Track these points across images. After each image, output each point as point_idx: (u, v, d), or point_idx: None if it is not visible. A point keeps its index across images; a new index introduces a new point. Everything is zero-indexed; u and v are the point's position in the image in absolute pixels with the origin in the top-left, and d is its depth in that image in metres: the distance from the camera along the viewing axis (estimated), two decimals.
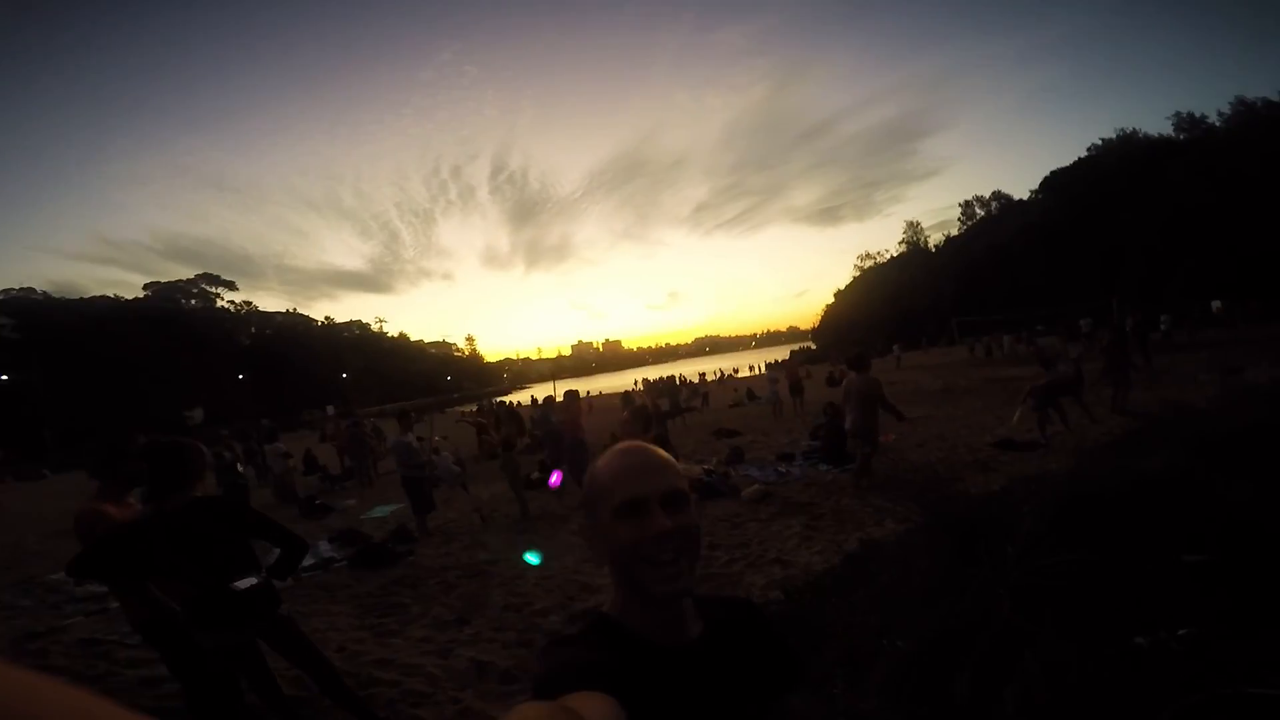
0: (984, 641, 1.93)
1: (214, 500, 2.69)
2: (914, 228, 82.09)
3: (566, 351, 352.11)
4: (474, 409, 28.27)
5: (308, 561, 5.66)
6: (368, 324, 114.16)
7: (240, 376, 68.43)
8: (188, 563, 2.36)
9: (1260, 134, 32.23)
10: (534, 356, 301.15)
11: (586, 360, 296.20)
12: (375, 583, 5.57)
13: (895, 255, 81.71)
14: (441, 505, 8.17)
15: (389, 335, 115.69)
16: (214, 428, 42.79)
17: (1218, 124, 46.04)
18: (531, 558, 5.43)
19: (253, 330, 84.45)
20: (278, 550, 2.65)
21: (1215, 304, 24.23)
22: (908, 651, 2.04)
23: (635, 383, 38.43)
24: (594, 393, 36.41)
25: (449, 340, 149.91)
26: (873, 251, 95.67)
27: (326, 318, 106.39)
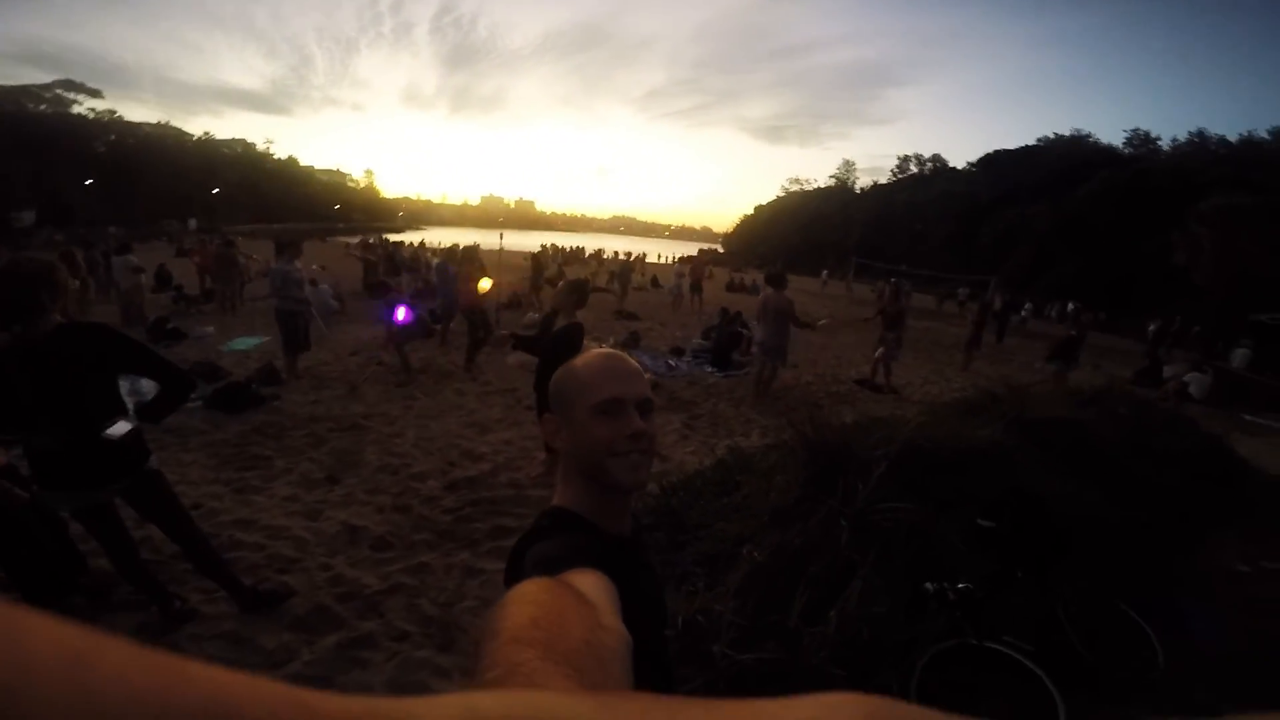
0: (822, 565, 2.28)
1: (86, 327, 2.17)
2: (848, 166, 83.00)
3: (475, 203, 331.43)
4: (361, 241, 26.29)
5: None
6: (254, 144, 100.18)
7: (89, 182, 57.86)
8: (51, 405, 1.99)
9: (1196, 167, 34.96)
10: (437, 201, 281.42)
11: (494, 215, 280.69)
12: (234, 429, 5.04)
13: (822, 187, 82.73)
14: (315, 345, 7.54)
15: (274, 156, 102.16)
16: (48, 231, 36.46)
17: (1165, 148, 48.44)
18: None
19: (112, 138, 70.66)
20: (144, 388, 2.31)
21: (1071, 306, 27.35)
22: (760, 562, 2.36)
23: (541, 246, 37.45)
24: (499, 249, 34.92)
25: (343, 171, 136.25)
26: (803, 178, 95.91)
27: (205, 133, 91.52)
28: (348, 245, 22.72)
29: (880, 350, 8.99)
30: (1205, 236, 19.73)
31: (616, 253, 39.93)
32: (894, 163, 75.35)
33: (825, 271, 35.57)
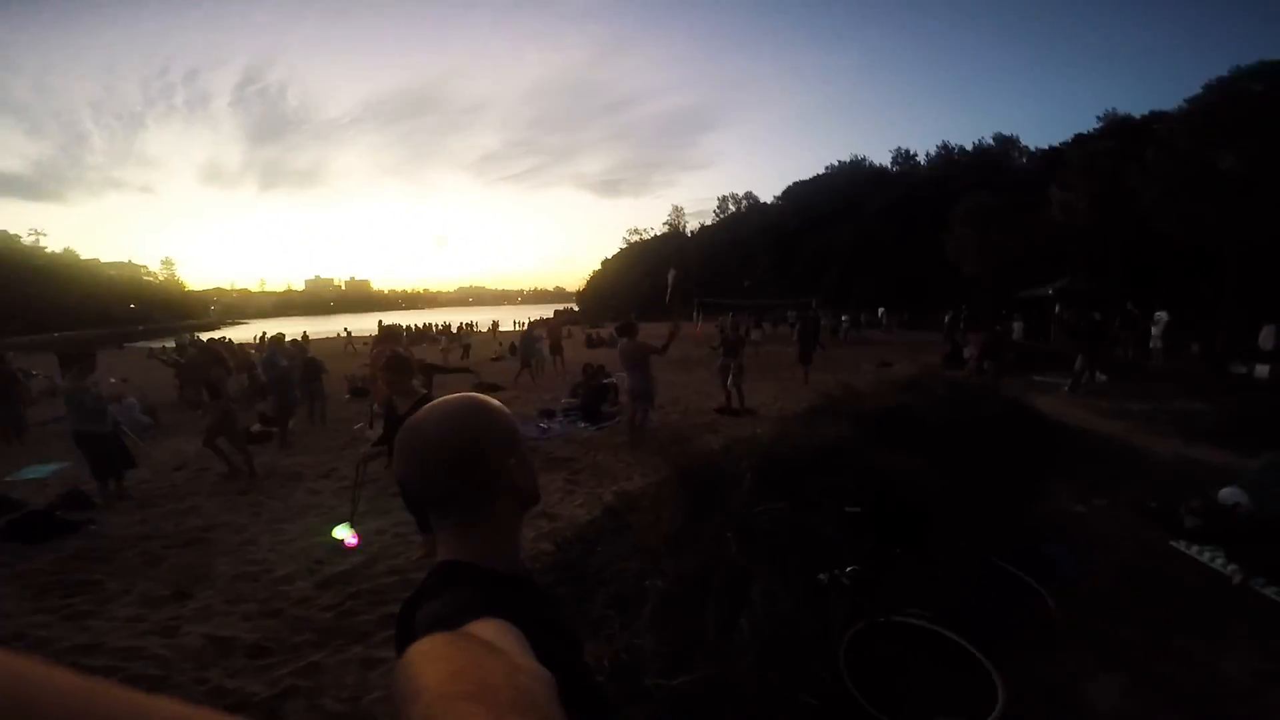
0: (719, 579, 2.38)
1: None
2: (678, 211, 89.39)
3: (300, 288, 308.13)
4: (168, 346, 23.42)
5: None
6: (16, 235, 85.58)
7: None
8: None
9: (949, 175, 41.80)
10: (255, 290, 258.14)
11: (323, 299, 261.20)
12: (44, 559, 4.46)
13: (658, 235, 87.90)
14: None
15: (46, 250, 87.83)
16: None
17: (923, 163, 55.34)
18: (342, 532, 4.09)
19: None
20: None
21: (880, 311, 31.35)
22: (664, 590, 2.40)
23: (379, 324, 35.76)
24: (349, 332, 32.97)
25: (137, 263, 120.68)
26: (640, 228, 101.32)
27: None
28: (153, 351, 19.87)
29: (729, 376, 9.64)
30: (965, 234, 23.79)
31: (465, 325, 38.96)
32: (715, 204, 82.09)
33: (675, 317, 37.23)
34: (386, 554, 4.37)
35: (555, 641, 0.74)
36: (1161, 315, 15.29)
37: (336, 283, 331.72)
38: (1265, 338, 13.17)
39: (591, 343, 26.68)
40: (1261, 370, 11.92)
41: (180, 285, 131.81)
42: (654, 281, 66.45)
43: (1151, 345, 14.74)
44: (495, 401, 0.93)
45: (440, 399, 0.92)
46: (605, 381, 10.44)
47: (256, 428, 8.93)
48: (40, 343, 39.97)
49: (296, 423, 8.91)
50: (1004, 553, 3.62)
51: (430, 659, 0.42)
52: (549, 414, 9.79)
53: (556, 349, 17.15)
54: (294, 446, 8.11)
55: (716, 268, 59.20)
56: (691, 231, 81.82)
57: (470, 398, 0.93)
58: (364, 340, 28.75)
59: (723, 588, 2.34)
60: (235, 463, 6.68)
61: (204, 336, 27.47)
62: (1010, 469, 5.32)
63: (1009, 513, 4.52)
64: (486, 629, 0.59)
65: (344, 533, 4.23)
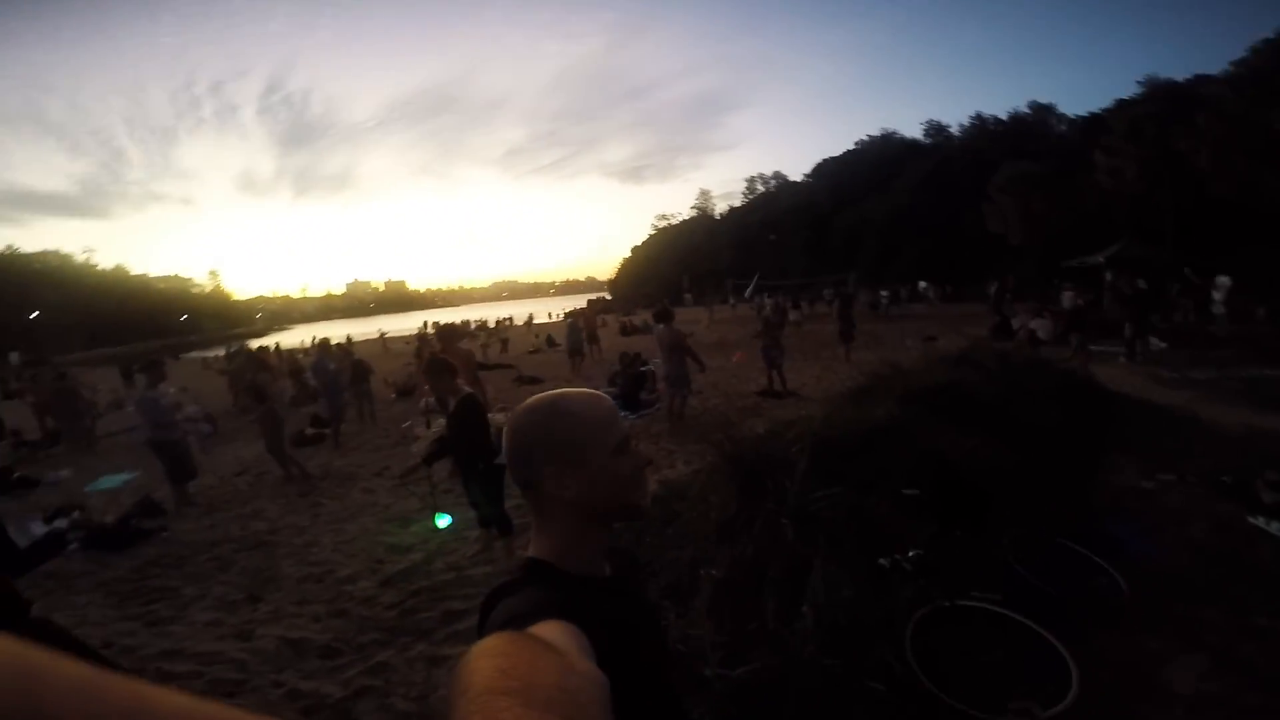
0: (777, 566, 2.35)
1: None
2: (705, 195, 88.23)
3: (340, 291, 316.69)
4: (219, 355, 24.42)
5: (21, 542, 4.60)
6: (70, 254, 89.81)
7: None
8: None
9: (983, 146, 40.43)
10: (298, 296, 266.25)
11: (363, 301, 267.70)
12: (125, 566, 4.71)
13: (687, 219, 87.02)
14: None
15: (98, 268, 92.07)
16: None
17: (956, 134, 53.53)
18: (442, 520, 4.70)
19: None
20: None
21: (922, 285, 30.46)
22: (720, 579, 2.39)
23: (425, 324, 36.73)
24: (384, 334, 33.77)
25: (184, 276, 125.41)
26: (668, 213, 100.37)
27: (9, 246, 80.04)
28: (206, 361, 20.79)
29: (766, 357, 9.53)
30: (1006, 203, 22.87)
31: (503, 320, 39.40)
32: (743, 185, 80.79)
33: (689, 295, 36.81)
34: (444, 550, 4.48)
35: (625, 645, 0.75)
36: (1224, 280, 14.47)
37: (375, 285, 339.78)
38: None
39: (626, 330, 26.70)
40: None
41: (226, 295, 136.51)
42: (685, 265, 66.19)
43: (1215, 311, 13.96)
44: (572, 406, 0.92)
45: (581, 395, 0.95)
46: (642, 370, 10.43)
47: (310, 431, 9.24)
48: (98, 357, 41.91)
49: (347, 424, 9.19)
50: (1070, 532, 3.48)
51: (486, 655, 0.44)
52: None
53: (593, 338, 17.21)
54: (346, 447, 8.36)
55: (746, 248, 58.35)
56: (720, 214, 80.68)
57: (548, 398, 0.94)
58: (405, 340, 29.38)
59: (781, 575, 2.32)
60: (288, 469, 6.91)
61: (253, 344, 28.56)
62: (1071, 444, 5.12)
63: (1073, 491, 4.35)
64: (551, 630, 0.62)
65: (443, 521, 4.63)
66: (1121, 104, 26.47)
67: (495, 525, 4.13)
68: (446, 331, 8.29)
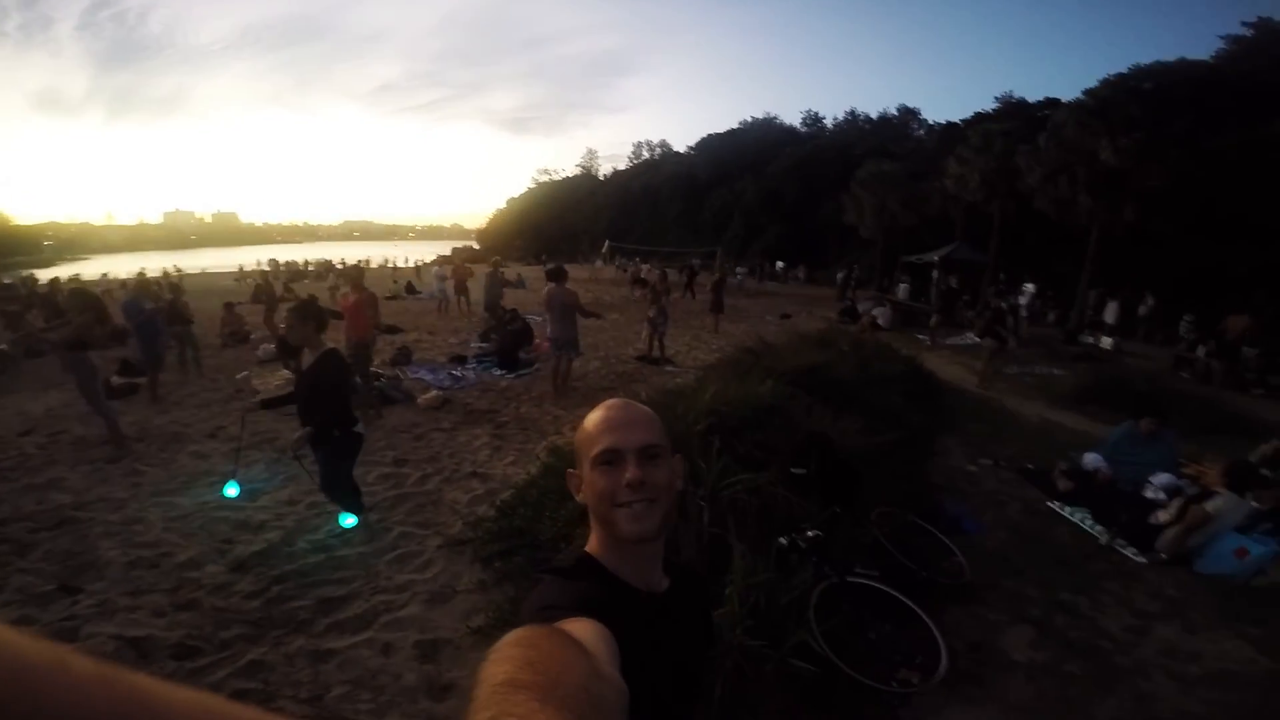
0: (692, 547, 2.36)
1: None
2: (591, 154, 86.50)
3: (156, 221, 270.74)
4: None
5: None
6: None
7: None
8: None
9: (853, 141, 43.22)
10: (100, 224, 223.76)
11: (184, 233, 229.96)
12: None
13: (570, 176, 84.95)
14: None
15: None
16: None
17: (830, 126, 56.97)
18: (231, 489, 4.22)
19: None
20: None
21: (779, 264, 32.47)
22: None
23: (257, 262, 33.13)
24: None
25: None
26: (551, 169, 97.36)
27: None
28: None
29: (651, 325, 9.66)
30: (864, 198, 24.96)
31: (361, 261, 35.93)
32: (630, 149, 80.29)
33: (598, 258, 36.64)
34: (304, 528, 3.95)
35: (655, 667, 0.76)
36: (1029, 287, 17.07)
37: (200, 216, 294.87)
38: (1110, 313, 15.11)
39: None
40: (1106, 341, 13.75)
41: (4, 220, 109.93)
42: (561, 222, 64.84)
43: (1020, 315, 16.43)
44: (595, 411, 0.91)
45: (604, 402, 0.93)
46: (523, 326, 9.99)
47: (118, 380, 7.80)
48: None
49: (165, 374, 7.83)
50: (918, 510, 3.92)
51: (515, 646, 0.43)
52: (460, 360, 9.34)
53: (461, 289, 16.14)
54: (167, 401, 7.17)
55: (626, 212, 58.58)
56: (604, 175, 79.81)
57: (602, 406, 0.92)
58: (235, 277, 25.84)
59: (694, 556, 2.33)
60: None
61: (38, 274, 23.33)
62: (915, 427, 5.74)
63: (915, 472, 4.91)
64: (582, 628, 0.61)
65: (232, 490, 4.19)
66: (978, 116, 29.75)
67: (343, 507, 3.76)
68: (355, 271, 7.99)
